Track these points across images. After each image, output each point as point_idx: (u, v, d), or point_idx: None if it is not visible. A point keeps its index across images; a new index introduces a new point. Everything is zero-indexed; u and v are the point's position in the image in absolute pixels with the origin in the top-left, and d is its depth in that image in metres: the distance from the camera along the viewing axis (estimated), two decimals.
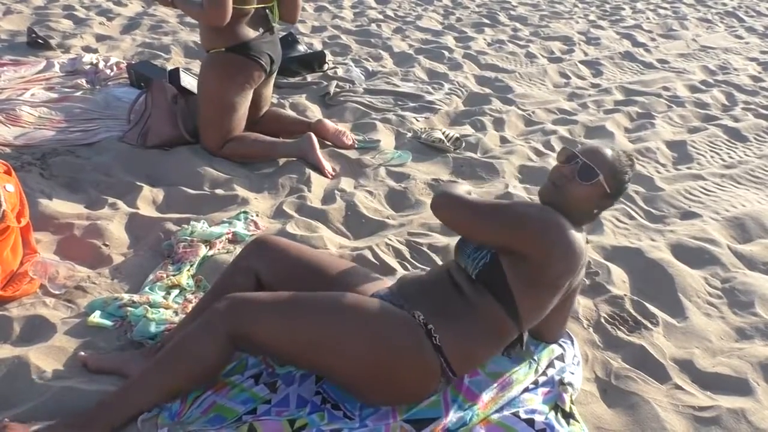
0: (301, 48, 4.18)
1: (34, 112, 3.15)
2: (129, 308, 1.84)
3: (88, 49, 4.26)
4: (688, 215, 2.78)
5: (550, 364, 1.73)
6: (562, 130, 3.56)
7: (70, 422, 1.44)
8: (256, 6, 2.77)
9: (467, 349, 1.56)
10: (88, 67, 3.77)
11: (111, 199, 2.53)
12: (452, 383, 1.61)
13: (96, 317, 1.82)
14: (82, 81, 3.60)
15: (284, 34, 4.29)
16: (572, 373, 1.72)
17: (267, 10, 2.86)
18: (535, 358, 1.73)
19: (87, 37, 4.49)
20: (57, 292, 1.97)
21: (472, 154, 3.18)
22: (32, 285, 1.97)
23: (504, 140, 3.42)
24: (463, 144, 3.26)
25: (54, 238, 2.25)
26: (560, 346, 1.80)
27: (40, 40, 4.13)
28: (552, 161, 3.14)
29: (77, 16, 4.98)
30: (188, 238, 2.21)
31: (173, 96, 2.98)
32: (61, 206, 2.42)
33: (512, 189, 2.80)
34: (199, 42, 3.11)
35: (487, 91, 4.15)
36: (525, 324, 1.60)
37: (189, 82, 3.11)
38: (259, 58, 2.81)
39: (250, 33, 2.78)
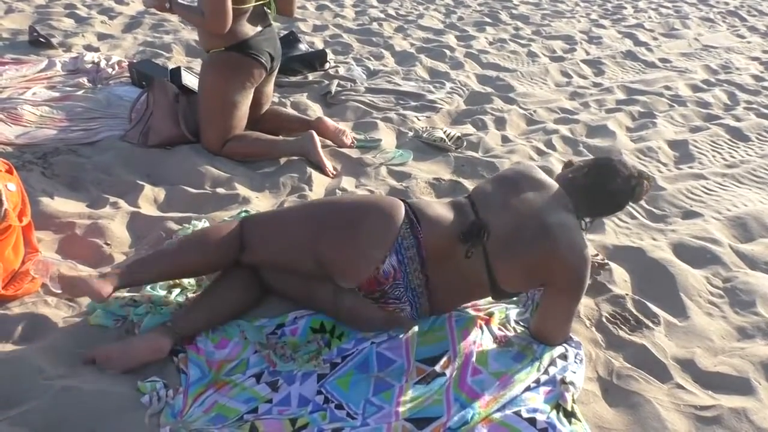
0: (303, 47, 4.18)
1: (36, 111, 3.15)
2: (130, 307, 1.84)
3: (89, 48, 4.26)
4: (689, 215, 2.78)
5: (552, 363, 1.73)
6: (564, 129, 3.56)
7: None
8: (254, 4, 2.77)
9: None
10: (90, 65, 3.77)
11: (112, 198, 2.53)
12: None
13: (97, 317, 1.82)
14: (84, 80, 3.59)
15: (286, 33, 4.29)
16: (574, 372, 1.72)
17: (264, 6, 2.86)
18: (538, 356, 1.73)
19: (88, 35, 4.49)
20: (58, 291, 1.97)
21: (474, 153, 3.18)
22: (34, 284, 1.97)
23: (505, 139, 3.42)
24: (465, 143, 3.26)
25: (55, 237, 2.25)
26: (562, 345, 1.80)
27: (41, 39, 4.13)
28: (554, 160, 3.14)
29: (79, 14, 4.98)
30: None
31: (175, 95, 2.98)
32: (62, 205, 2.42)
33: None
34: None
35: (489, 90, 4.15)
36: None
37: (190, 80, 3.11)
38: (259, 56, 2.81)
39: (249, 31, 2.78)
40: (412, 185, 2.80)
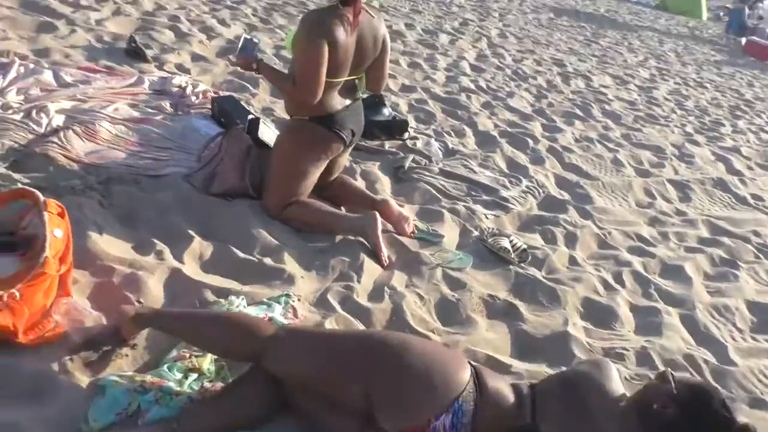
0: (386, 112, 4.10)
1: (112, 130, 3.15)
2: (138, 393, 1.73)
3: (181, 68, 4.31)
4: (758, 403, 2.50)
5: None
6: (637, 263, 3.33)
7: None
8: (346, 78, 2.70)
9: None
10: (176, 89, 3.79)
11: (159, 245, 2.46)
12: None
13: (96, 422, 1.66)
14: (166, 104, 3.61)
15: (371, 94, 4.23)
16: None
17: (356, 81, 2.79)
18: None
19: (183, 54, 4.55)
20: (78, 341, 1.89)
21: (537, 272, 2.98)
22: (55, 333, 1.89)
23: (573, 261, 3.21)
24: (530, 257, 3.08)
25: (92, 280, 2.18)
26: None
27: (138, 51, 4.20)
28: (620, 300, 2.92)
29: (180, 29, 5.07)
30: None
31: (247, 147, 2.94)
32: (108, 244, 2.36)
33: (571, 327, 2.59)
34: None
35: (566, 197, 3.96)
36: None
37: (267, 135, 3.06)
38: (341, 131, 2.74)
39: (337, 104, 2.71)
40: (464, 298, 2.63)
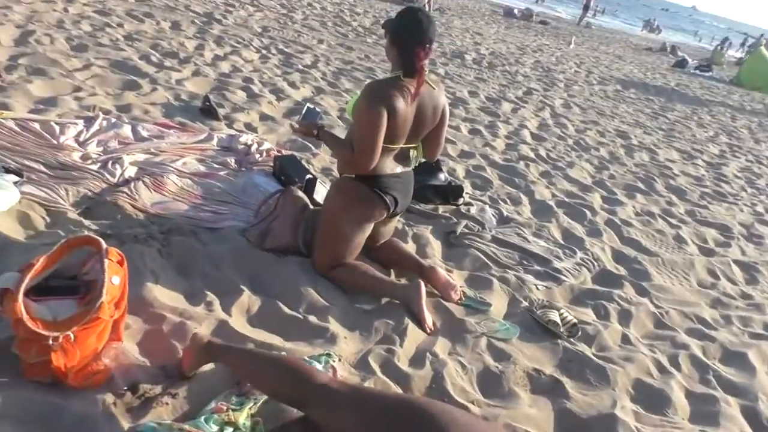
0: (442, 176, 4.16)
1: (178, 182, 3.33)
2: None
3: (249, 127, 4.53)
4: None
5: None
6: (696, 347, 3.17)
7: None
8: (402, 146, 2.77)
9: None
10: (242, 147, 3.98)
11: (210, 296, 2.55)
12: None
13: None
14: (232, 160, 3.78)
15: None
16: None
17: (410, 150, 2.85)
18: None
19: (252, 113, 4.79)
20: (123, 385, 1.96)
21: (586, 349, 2.89)
22: (103, 376, 1.97)
23: (626, 339, 3.10)
24: (579, 332, 2.99)
25: (143, 327, 2.27)
26: None
27: (211, 110, 4.45)
28: (675, 385, 2.78)
29: (252, 89, 5.36)
30: None
31: (303, 206, 3.03)
32: (162, 293, 2.46)
33: (620, 410, 2.48)
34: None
35: (622, 272, 3.85)
36: None
37: (322, 195, 3.15)
38: (384, 195, 2.78)
39: (387, 168, 2.78)
40: (508, 370, 2.57)
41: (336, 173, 3.99)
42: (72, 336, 1.91)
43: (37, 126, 3.48)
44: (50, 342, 1.88)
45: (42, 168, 3.09)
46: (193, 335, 2.12)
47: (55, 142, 3.39)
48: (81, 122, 3.71)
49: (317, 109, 2.90)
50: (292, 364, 1.96)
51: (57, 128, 3.53)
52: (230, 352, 2.06)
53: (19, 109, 3.74)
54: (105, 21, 6.38)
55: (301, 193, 3.09)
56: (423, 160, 2.97)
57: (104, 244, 2.06)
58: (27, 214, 2.71)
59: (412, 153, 2.88)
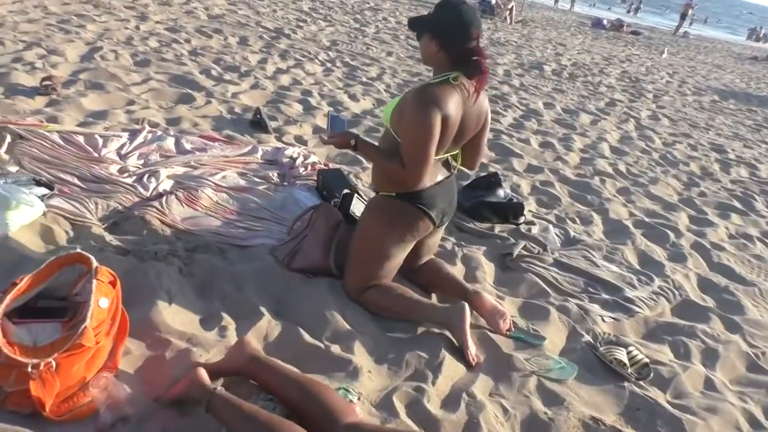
0: (501, 193, 3.80)
1: (213, 197, 3.17)
2: None
3: (299, 140, 4.36)
4: None
5: None
6: None
7: None
8: (442, 155, 2.48)
9: None
10: (286, 160, 3.80)
11: (226, 320, 2.33)
12: None
13: None
14: (274, 174, 3.60)
15: (488, 174, 3.97)
16: None
17: (449, 157, 2.56)
18: None
19: (305, 127, 4.62)
20: (107, 422, 1.76)
21: (659, 395, 2.45)
22: (88, 408, 1.78)
23: (710, 385, 2.62)
24: (651, 374, 2.55)
25: (144, 353, 2.08)
26: None
27: (260, 121, 4.32)
28: None
29: (309, 102, 5.21)
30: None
31: (336, 223, 2.78)
32: (173, 315, 2.27)
33: None
34: None
35: (709, 303, 3.34)
36: None
37: (359, 210, 2.90)
38: (429, 209, 2.49)
39: (427, 181, 2.48)
40: (559, 418, 2.19)
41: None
42: (53, 364, 1.73)
43: (80, 139, 3.44)
44: (29, 369, 1.72)
45: (75, 181, 3.01)
46: (239, 341, 2.08)
47: (96, 155, 3.33)
48: (125, 135, 3.65)
49: (342, 117, 2.64)
50: (325, 396, 1.88)
51: (100, 141, 3.48)
52: (270, 369, 1.99)
53: (68, 122, 3.74)
54: (173, 37, 6.48)
55: (335, 210, 2.84)
56: (461, 167, 2.67)
57: (95, 263, 1.88)
58: (50, 228, 2.62)
59: (451, 161, 2.58)
